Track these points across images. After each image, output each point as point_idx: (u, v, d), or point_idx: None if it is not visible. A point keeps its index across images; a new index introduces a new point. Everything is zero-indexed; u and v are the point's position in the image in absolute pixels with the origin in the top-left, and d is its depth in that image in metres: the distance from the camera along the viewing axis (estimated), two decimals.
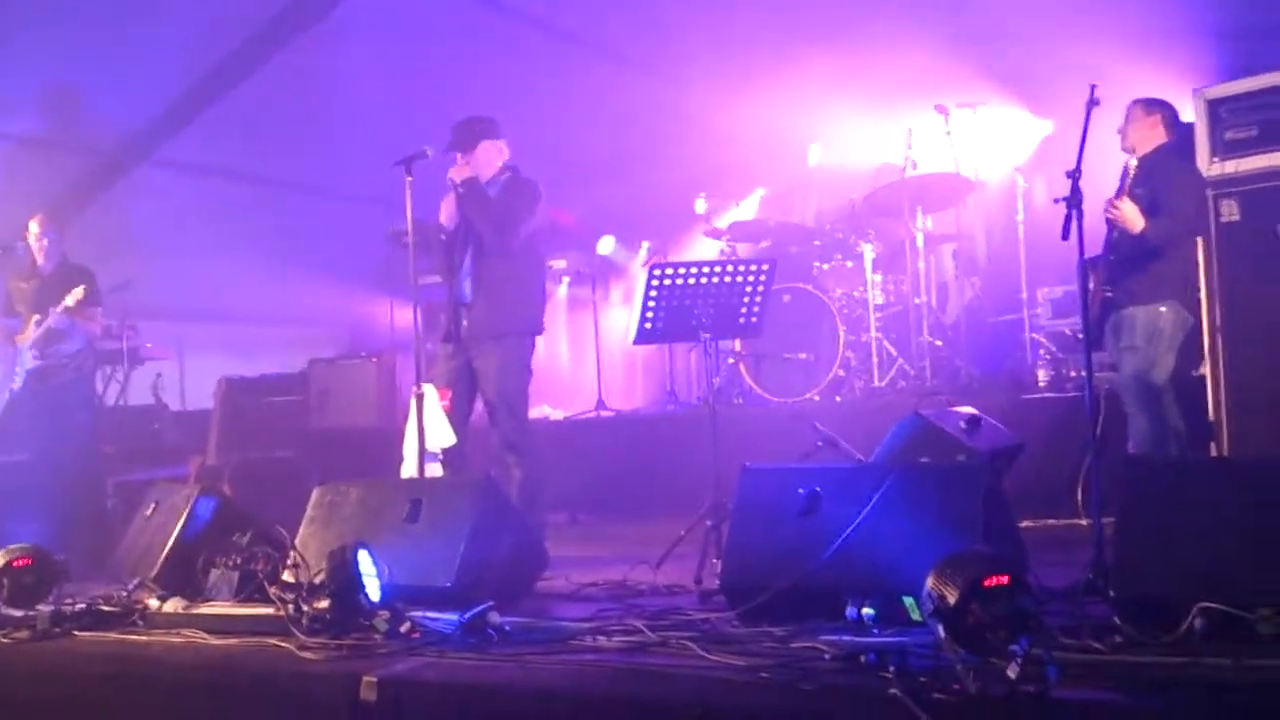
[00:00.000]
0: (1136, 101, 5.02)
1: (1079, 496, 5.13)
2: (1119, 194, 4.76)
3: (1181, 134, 5.00)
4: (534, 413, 7.47)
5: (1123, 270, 4.83)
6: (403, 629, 3.40)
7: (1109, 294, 4.83)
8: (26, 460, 6.69)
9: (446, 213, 5.11)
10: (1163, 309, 4.83)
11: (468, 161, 5.08)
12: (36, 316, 6.41)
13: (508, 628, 3.39)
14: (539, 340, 5.32)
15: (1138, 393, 4.83)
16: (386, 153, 4.91)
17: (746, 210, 9.22)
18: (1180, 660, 2.68)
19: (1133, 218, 4.69)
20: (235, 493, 5.41)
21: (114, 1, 6.94)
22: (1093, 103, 4.16)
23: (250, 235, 9.32)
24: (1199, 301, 4.90)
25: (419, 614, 3.47)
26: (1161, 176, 4.82)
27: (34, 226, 6.54)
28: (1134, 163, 4.83)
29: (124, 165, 8.59)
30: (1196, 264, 4.91)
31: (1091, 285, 4.74)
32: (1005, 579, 2.62)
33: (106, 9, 6.95)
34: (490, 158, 5.16)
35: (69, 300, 6.19)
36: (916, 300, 7.52)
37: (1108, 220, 4.80)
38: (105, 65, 7.41)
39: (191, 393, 9.67)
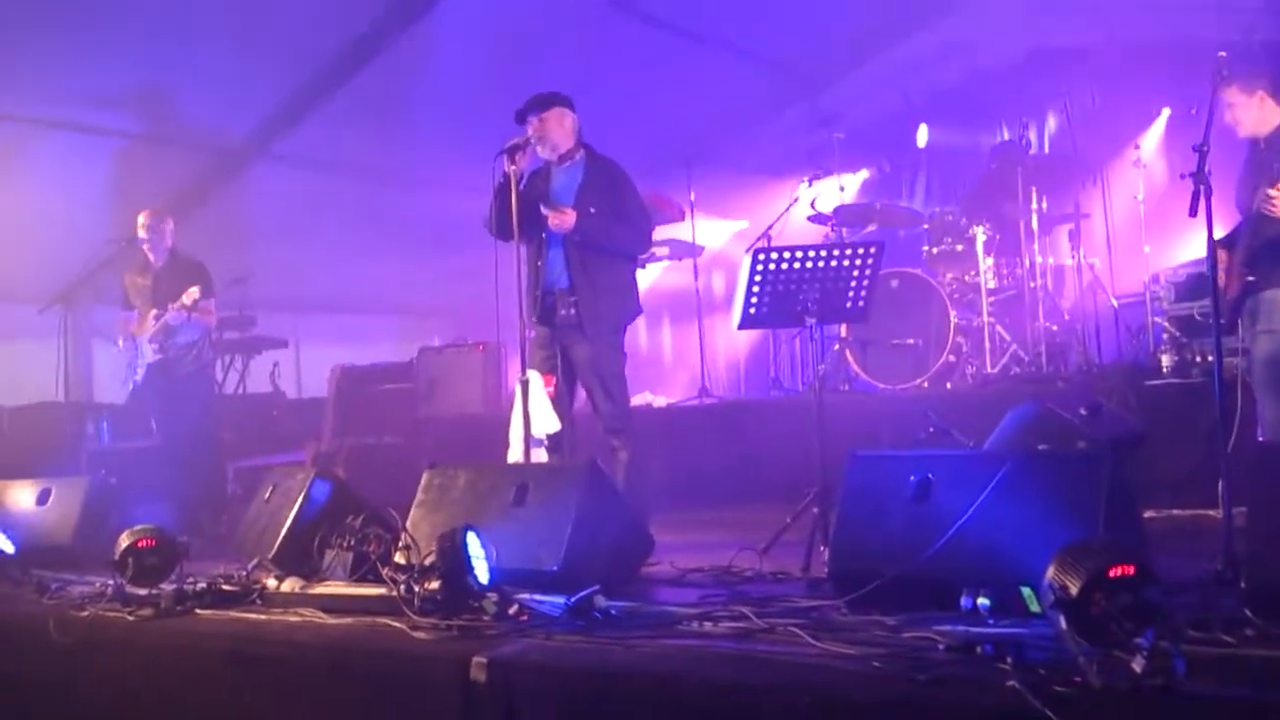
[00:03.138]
0: (1231, 85, 4.67)
1: (1214, 485, 4.90)
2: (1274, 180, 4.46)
3: None
4: (637, 400, 7.51)
5: (1266, 252, 4.57)
6: (511, 611, 3.42)
7: (1250, 278, 4.57)
8: (151, 447, 6.98)
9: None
10: None
11: (541, 135, 5.03)
12: (154, 310, 6.55)
13: (614, 611, 3.39)
14: (640, 327, 5.30)
15: (1273, 378, 4.59)
16: (489, 143, 4.95)
17: (850, 193, 9.08)
18: None
19: None
20: (348, 477, 5.53)
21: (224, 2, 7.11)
22: (1220, 75, 3.95)
23: (360, 227, 9.52)
24: None
25: (526, 596, 3.49)
26: None
27: (142, 219, 6.65)
28: None
29: (239, 161, 8.84)
30: None
31: (1226, 266, 4.50)
32: (1131, 569, 2.51)
33: (218, 6, 7.12)
34: (563, 125, 5.10)
35: (185, 300, 6.29)
36: (1031, 284, 7.31)
37: (1237, 204, 4.55)
38: (218, 63, 7.61)
39: (307, 380, 9.95)
